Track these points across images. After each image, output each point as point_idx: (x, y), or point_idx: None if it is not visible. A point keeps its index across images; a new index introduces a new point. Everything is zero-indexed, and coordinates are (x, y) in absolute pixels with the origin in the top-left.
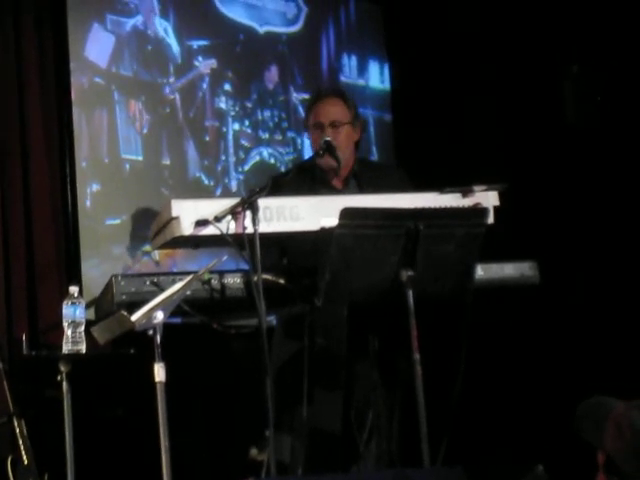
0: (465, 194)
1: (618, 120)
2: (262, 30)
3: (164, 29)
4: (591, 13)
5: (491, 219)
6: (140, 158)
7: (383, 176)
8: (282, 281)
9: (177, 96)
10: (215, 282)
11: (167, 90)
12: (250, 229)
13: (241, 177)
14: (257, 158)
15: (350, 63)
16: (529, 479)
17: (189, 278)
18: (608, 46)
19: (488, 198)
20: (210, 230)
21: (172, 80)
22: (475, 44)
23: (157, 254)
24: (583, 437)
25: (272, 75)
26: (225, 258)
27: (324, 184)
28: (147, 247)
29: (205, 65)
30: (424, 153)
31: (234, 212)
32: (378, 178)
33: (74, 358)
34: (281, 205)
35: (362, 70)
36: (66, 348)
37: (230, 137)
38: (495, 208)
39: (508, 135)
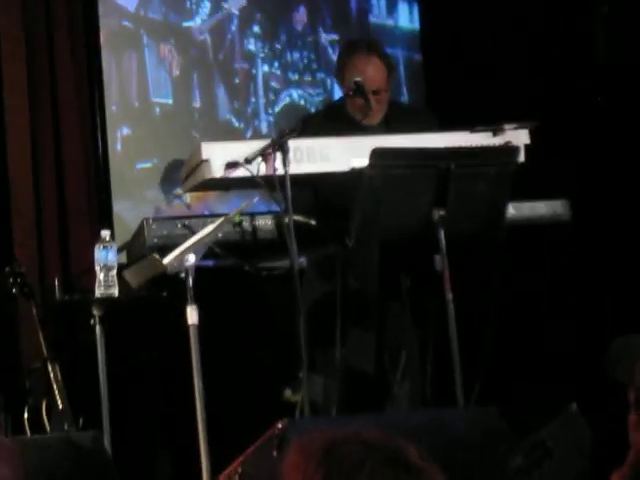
0: (496, 132)
1: None
2: None
3: None
4: None
5: (522, 157)
6: (170, 101)
7: (412, 117)
8: (313, 222)
9: (207, 38)
10: (246, 224)
11: (196, 32)
12: (280, 170)
13: (271, 119)
14: (287, 100)
15: (379, 3)
16: (563, 418)
17: (220, 221)
18: None
19: (519, 136)
20: (240, 172)
21: (201, 22)
22: None
23: (188, 197)
24: (614, 376)
25: (301, 16)
26: (256, 200)
27: (353, 126)
28: (178, 190)
29: (235, 4)
30: (455, 92)
31: (264, 154)
32: (407, 120)
33: (107, 302)
34: (311, 146)
35: (391, 10)
36: (99, 292)
37: (260, 79)
38: (526, 146)
39: (539, 74)
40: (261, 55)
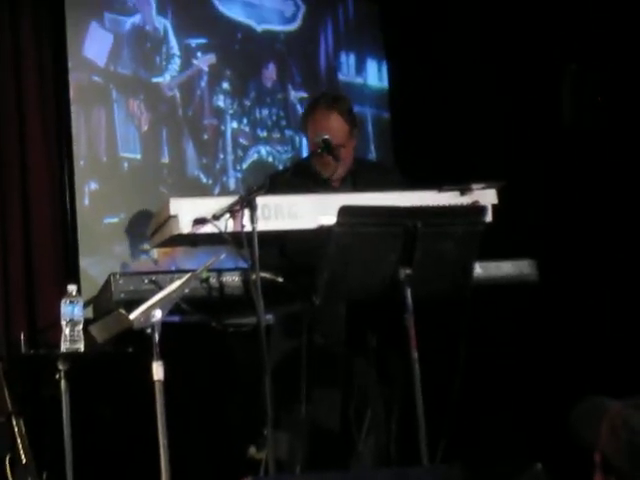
0: (463, 192)
1: (616, 119)
2: (260, 28)
3: (163, 27)
4: (589, 11)
5: (489, 217)
6: (138, 156)
7: (380, 176)
8: (280, 279)
9: (176, 94)
10: (213, 280)
11: (166, 88)
12: (248, 227)
13: (239, 175)
14: (255, 156)
15: (348, 61)
16: (527, 477)
17: (187, 276)
18: (607, 45)
19: (486, 196)
20: (208, 228)
21: (171, 78)
22: (473, 42)
23: (155, 252)
24: (579, 437)
25: (270, 73)
26: (223, 256)
27: (320, 183)
28: (145, 245)
29: (204, 60)
30: (422, 151)
31: (232, 210)
32: (375, 178)
33: (72, 357)
34: (279, 203)
35: (360, 68)
36: (64, 347)
37: (228, 135)
38: (493, 206)
39: (506, 133)
40: (230, 111)
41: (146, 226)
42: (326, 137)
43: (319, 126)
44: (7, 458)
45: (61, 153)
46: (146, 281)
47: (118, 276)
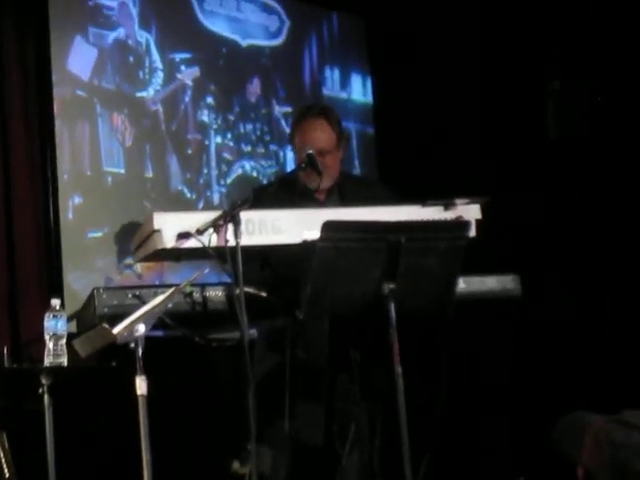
0: (447, 207)
1: (599, 134)
2: (245, 43)
3: (145, 41)
4: (573, 29)
5: (473, 232)
6: (122, 171)
7: (366, 190)
8: (264, 294)
9: (160, 108)
10: (197, 295)
11: (149, 102)
12: (232, 242)
13: (223, 190)
14: (239, 171)
15: (333, 76)
16: None
17: (171, 291)
18: (590, 62)
19: (470, 211)
20: (192, 243)
21: (154, 92)
22: (457, 58)
23: (139, 267)
24: (562, 452)
25: (254, 88)
26: (207, 271)
27: (306, 197)
28: (129, 260)
29: (188, 74)
30: (406, 166)
31: (216, 225)
32: (361, 192)
33: (56, 371)
34: (263, 218)
35: (344, 83)
36: (48, 361)
37: (212, 150)
38: (477, 221)
39: (490, 148)
40: (214, 126)
41: (130, 240)
42: (310, 152)
43: (307, 135)
44: None
45: (45, 167)
46: (130, 295)
47: (102, 290)
